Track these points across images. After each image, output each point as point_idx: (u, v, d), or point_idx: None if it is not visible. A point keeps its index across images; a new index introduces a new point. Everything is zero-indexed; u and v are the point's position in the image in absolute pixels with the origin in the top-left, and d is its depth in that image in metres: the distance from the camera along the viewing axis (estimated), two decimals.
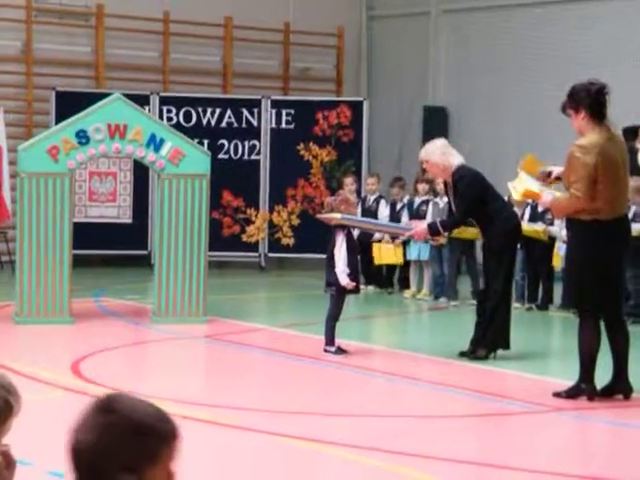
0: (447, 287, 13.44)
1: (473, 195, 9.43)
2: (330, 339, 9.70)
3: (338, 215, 9.65)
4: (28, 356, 9.35)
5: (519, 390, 8.38)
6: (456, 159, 9.58)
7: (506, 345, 9.48)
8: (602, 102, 7.86)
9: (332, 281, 9.71)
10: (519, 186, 8.64)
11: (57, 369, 8.70)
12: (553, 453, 6.70)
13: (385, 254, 14.04)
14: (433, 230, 9.61)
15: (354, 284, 9.70)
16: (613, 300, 8.04)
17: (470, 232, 11.80)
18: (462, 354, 9.53)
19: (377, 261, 14.13)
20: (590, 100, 7.83)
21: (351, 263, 9.76)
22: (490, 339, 9.44)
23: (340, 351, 9.63)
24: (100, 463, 2.27)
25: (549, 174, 8.42)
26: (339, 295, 9.75)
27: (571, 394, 7.98)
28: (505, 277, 9.46)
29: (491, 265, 9.46)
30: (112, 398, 2.35)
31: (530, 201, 11.98)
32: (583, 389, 7.97)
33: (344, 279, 9.57)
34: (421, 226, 9.77)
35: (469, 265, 13.37)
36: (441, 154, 9.52)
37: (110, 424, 2.28)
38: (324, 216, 9.94)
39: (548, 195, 8.29)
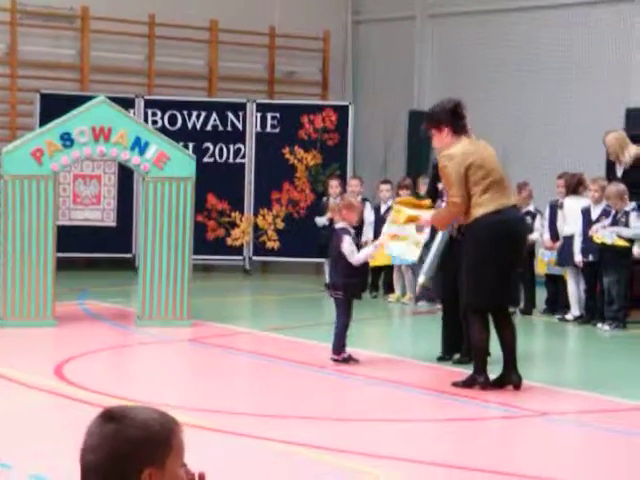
0: (429, 291, 13.42)
1: None
2: (340, 347, 9.41)
3: (420, 279, 9.59)
4: (11, 359, 9.31)
5: (503, 395, 8.38)
6: None
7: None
8: (460, 116, 8.49)
9: (339, 285, 9.42)
10: (400, 216, 9.29)
11: (40, 372, 8.67)
12: (536, 457, 6.71)
13: (379, 257, 13.95)
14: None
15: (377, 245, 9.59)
16: (506, 295, 8.49)
17: None
18: (440, 359, 9.59)
19: (372, 263, 13.97)
20: (450, 117, 8.45)
21: (362, 266, 9.64)
22: (467, 346, 9.46)
23: (350, 359, 9.41)
24: (121, 469, 2.32)
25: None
26: (345, 300, 9.45)
27: (467, 384, 8.44)
28: None
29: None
30: (110, 410, 2.41)
31: None
32: (477, 380, 8.42)
33: (369, 251, 9.50)
34: (426, 216, 9.71)
35: None
36: None
37: (118, 430, 2.34)
38: (419, 290, 9.88)
39: (427, 214, 8.87)
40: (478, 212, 8.23)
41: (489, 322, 8.44)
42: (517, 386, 8.43)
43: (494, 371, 8.57)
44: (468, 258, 8.37)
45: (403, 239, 9.48)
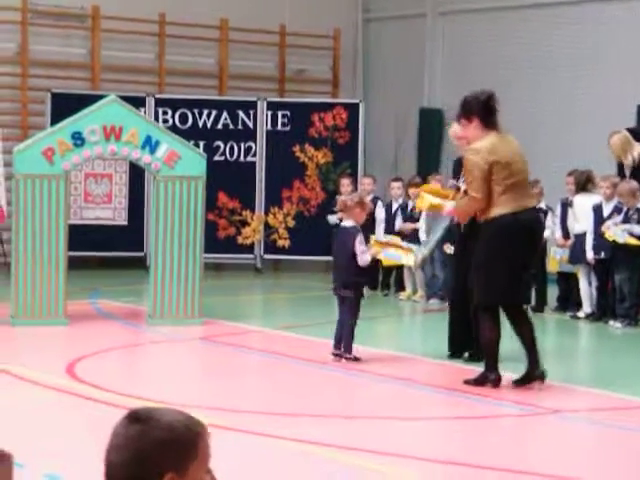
0: (439, 289, 13.44)
1: None
2: (349, 346, 9.39)
3: (425, 250, 9.79)
4: (23, 358, 9.34)
5: (514, 392, 8.37)
6: None
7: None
8: (492, 109, 8.33)
9: (350, 283, 9.36)
10: (423, 203, 9.29)
11: (52, 371, 8.68)
12: (548, 455, 6.70)
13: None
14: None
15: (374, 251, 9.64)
16: (516, 294, 8.41)
17: None
18: (451, 356, 9.58)
19: (385, 263, 14.13)
20: (480, 108, 8.29)
21: (371, 264, 9.67)
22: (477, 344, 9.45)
23: (356, 359, 9.41)
24: (144, 471, 2.30)
25: (458, 188, 8.78)
26: (355, 299, 9.41)
27: (479, 381, 8.40)
28: None
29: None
30: (136, 411, 2.39)
31: None
32: (488, 377, 8.38)
33: (366, 256, 9.31)
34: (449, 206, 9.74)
35: None
36: None
37: (143, 432, 2.32)
38: (419, 262, 10.04)
39: (450, 204, 8.74)
40: (495, 212, 8.17)
41: (500, 319, 8.42)
42: (542, 380, 8.34)
43: (505, 368, 8.56)
44: (479, 255, 8.34)
45: (395, 247, 9.62)
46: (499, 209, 8.16)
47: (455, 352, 9.60)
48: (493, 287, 8.24)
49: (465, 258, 9.11)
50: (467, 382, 8.46)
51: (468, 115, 8.35)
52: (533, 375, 8.39)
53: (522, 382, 8.39)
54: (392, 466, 6.29)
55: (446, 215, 9.20)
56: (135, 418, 2.34)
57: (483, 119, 8.27)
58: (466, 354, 9.53)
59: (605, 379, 9.11)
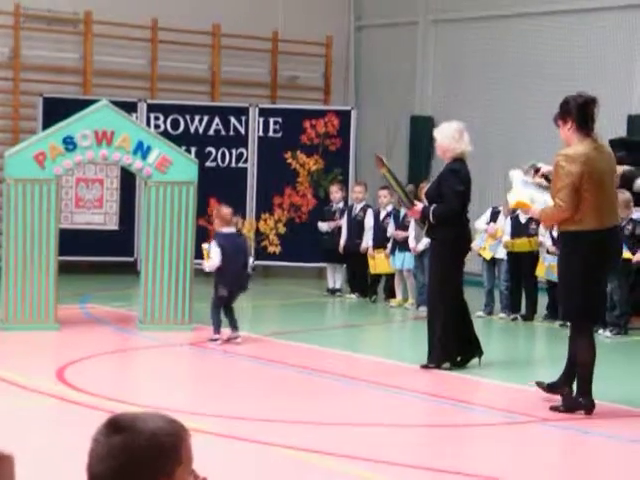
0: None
1: (463, 193, 9.46)
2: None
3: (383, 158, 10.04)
4: (13, 362, 9.32)
5: (503, 400, 8.39)
6: (460, 147, 9.51)
7: (450, 359, 9.45)
8: (589, 114, 7.94)
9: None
10: (512, 196, 8.72)
11: (42, 376, 8.68)
12: (537, 464, 6.72)
13: (380, 264, 14.16)
14: (424, 214, 9.52)
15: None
16: (593, 311, 8.10)
17: None
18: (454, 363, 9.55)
19: (373, 270, 14.30)
20: (577, 111, 7.91)
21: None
22: (437, 353, 9.46)
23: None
24: None
25: (537, 170, 8.51)
26: None
27: (570, 407, 7.94)
28: (451, 285, 9.41)
29: (439, 271, 9.47)
30: (117, 419, 2.35)
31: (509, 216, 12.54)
32: (581, 403, 7.94)
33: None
34: (419, 206, 9.66)
35: None
36: (446, 136, 9.53)
37: (126, 443, 2.28)
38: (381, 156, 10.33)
39: (538, 206, 8.32)
40: (574, 227, 7.84)
41: (594, 339, 8.10)
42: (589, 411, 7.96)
43: (486, 375, 8.56)
44: (563, 268, 7.98)
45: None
46: (578, 225, 7.82)
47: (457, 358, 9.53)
48: (584, 303, 7.86)
49: (441, 264, 9.22)
50: (555, 409, 7.94)
51: (564, 116, 7.96)
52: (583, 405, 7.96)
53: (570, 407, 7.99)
54: (379, 473, 6.30)
55: (532, 217, 8.87)
56: (117, 427, 2.30)
57: (578, 122, 7.89)
58: (426, 362, 9.49)
59: (594, 388, 9.12)
